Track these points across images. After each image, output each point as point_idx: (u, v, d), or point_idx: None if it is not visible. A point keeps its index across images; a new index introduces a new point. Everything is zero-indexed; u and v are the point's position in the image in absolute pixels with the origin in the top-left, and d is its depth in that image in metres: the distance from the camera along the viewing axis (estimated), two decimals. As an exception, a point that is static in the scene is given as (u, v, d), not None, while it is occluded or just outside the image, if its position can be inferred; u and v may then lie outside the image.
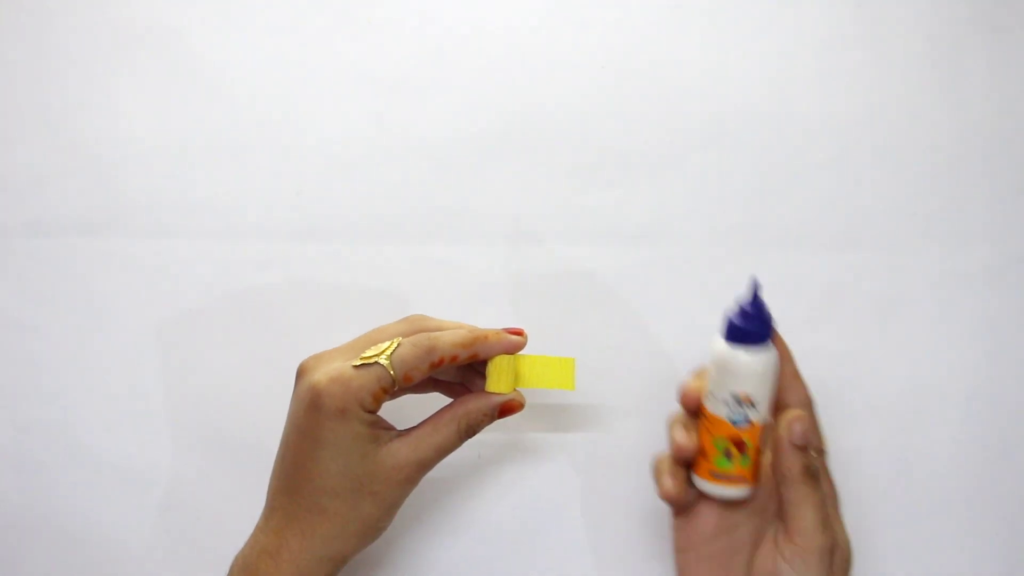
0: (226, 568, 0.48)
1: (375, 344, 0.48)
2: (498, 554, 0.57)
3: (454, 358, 0.48)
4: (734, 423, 0.47)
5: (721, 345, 0.47)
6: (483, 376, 0.50)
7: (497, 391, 0.49)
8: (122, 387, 0.58)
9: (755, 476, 0.48)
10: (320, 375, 0.47)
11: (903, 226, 0.59)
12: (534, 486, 0.57)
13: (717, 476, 0.48)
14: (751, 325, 0.47)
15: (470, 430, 0.49)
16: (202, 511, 0.57)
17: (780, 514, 0.47)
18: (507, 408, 0.50)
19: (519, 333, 0.50)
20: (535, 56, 0.60)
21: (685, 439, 0.48)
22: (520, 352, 0.50)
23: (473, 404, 0.49)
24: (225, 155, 0.59)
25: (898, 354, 0.58)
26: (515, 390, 0.50)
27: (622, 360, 0.58)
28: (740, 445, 0.47)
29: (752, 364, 0.46)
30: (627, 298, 0.58)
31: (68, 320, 0.58)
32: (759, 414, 0.47)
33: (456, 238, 0.59)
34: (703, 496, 0.50)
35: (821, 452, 0.49)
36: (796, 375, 0.49)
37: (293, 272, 0.58)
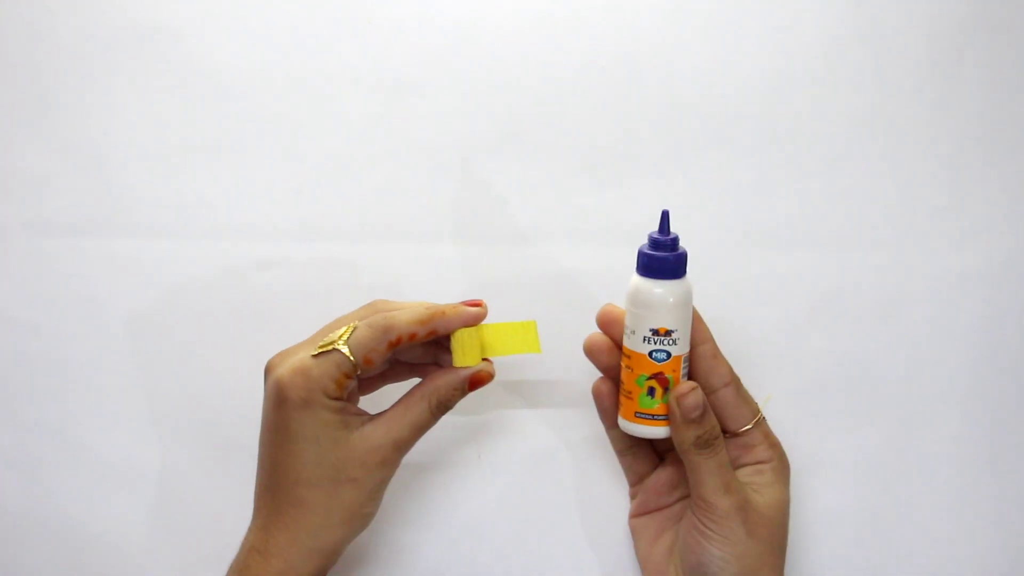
0: (225, 566, 0.48)
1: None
2: (498, 554, 0.57)
3: (412, 336, 0.48)
4: (655, 359, 0.47)
5: (636, 280, 0.48)
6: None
7: (464, 365, 0.49)
8: (121, 387, 0.58)
9: None
10: (282, 369, 0.47)
11: (903, 226, 0.59)
12: (534, 486, 0.57)
13: (641, 416, 0.49)
14: (664, 255, 0.48)
15: (442, 406, 0.49)
16: (202, 511, 0.57)
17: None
18: (476, 380, 0.50)
19: (478, 305, 0.50)
20: (535, 56, 0.60)
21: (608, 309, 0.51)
22: (482, 323, 0.50)
23: (442, 380, 0.49)
24: (225, 155, 0.59)
25: (898, 354, 0.58)
26: (485, 361, 0.50)
27: (622, 360, 0.58)
28: (663, 381, 0.48)
29: (668, 296, 0.47)
30: (627, 298, 0.58)
31: (68, 320, 0.58)
32: (678, 347, 0.48)
33: (456, 238, 0.59)
34: (654, 466, 0.53)
35: (758, 420, 0.50)
36: (716, 354, 0.50)
37: (293, 272, 0.58)
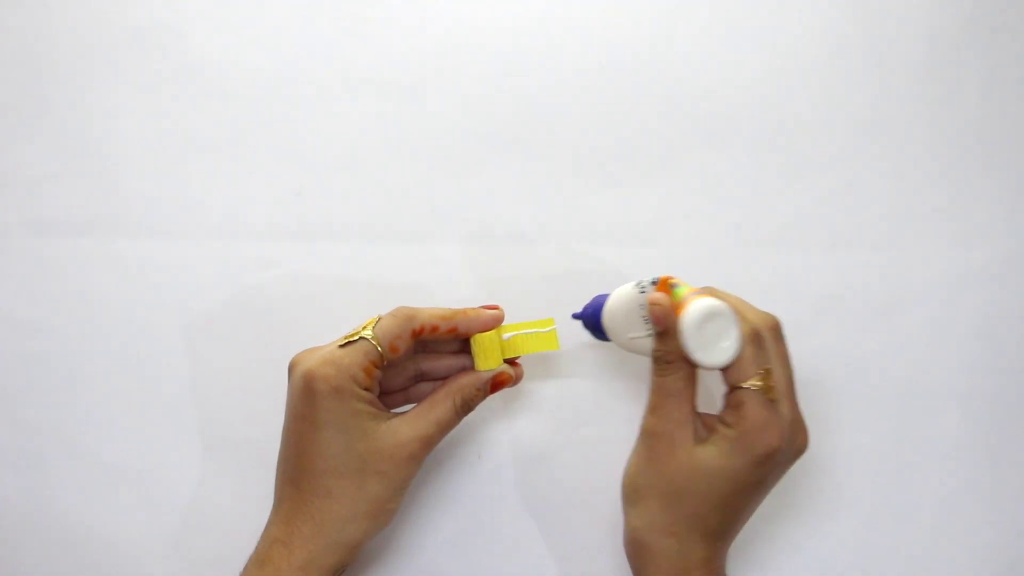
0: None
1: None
2: (498, 554, 0.57)
3: (435, 328, 0.50)
4: (655, 282, 0.49)
5: (608, 320, 0.51)
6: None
7: (485, 368, 0.51)
8: (122, 387, 0.58)
9: None
10: (311, 361, 0.48)
11: (903, 226, 0.59)
12: (534, 486, 0.57)
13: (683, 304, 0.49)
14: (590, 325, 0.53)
15: (466, 405, 0.51)
16: (202, 511, 0.57)
17: None
18: (498, 382, 0.52)
19: (495, 308, 0.52)
20: (535, 56, 0.60)
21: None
22: (501, 326, 0.52)
23: (466, 380, 0.51)
24: (225, 155, 0.59)
25: (898, 354, 0.58)
26: (511, 364, 0.52)
27: (622, 360, 0.58)
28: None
29: (614, 300, 0.51)
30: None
31: (68, 320, 0.58)
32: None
33: (456, 238, 0.59)
34: None
35: (745, 388, 0.46)
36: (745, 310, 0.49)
37: (293, 272, 0.58)
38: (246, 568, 0.47)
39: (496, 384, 0.52)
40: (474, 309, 0.52)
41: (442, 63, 0.59)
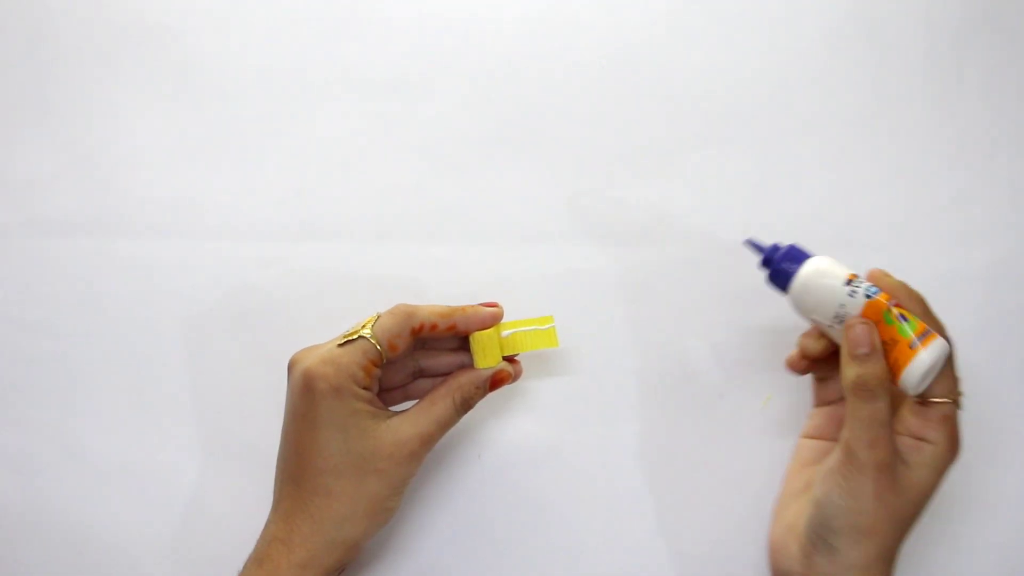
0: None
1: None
2: (498, 554, 0.57)
3: (434, 326, 0.50)
4: (870, 297, 0.48)
5: (792, 297, 0.50)
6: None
7: (484, 366, 0.51)
8: (122, 387, 0.58)
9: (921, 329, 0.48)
10: (310, 360, 0.48)
11: (903, 226, 0.59)
12: (534, 486, 0.57)
13: (913, 346, 0.47)
14: (779, 269, 0.50)
15: (465, 403, 0.51)
16: (202, 510, 0.57)
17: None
18: (497, 380, 0.52)
19: (494, 306, 0.52)
20: (536, 56, 0.60)
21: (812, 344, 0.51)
22: (500, 323, 0.52)
23: (465, 378, 0.51)
24: (225, 155, 0.59)
25: (898, 354, 0.58)
26: (510, 362, 0.52)
27: (623, 360, 0.58)
28: (896, 305, 0.48)
29: (816, 275, 0.49)
30: (627, 298, 0.58)
31: (68, 320, 0.58)
32: (863, 286, 0.48)
33: (456, 238, 0.59)
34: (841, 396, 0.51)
35: (945, 403, 0.48)
36: (928, 315, 0.50)
37: (293, 271, 0.58)
38: (245, 567, 0.47)
39: (495, 382, 0.51)
40: (473, 306, 0.51)
41: (442, 63, 0.60)
